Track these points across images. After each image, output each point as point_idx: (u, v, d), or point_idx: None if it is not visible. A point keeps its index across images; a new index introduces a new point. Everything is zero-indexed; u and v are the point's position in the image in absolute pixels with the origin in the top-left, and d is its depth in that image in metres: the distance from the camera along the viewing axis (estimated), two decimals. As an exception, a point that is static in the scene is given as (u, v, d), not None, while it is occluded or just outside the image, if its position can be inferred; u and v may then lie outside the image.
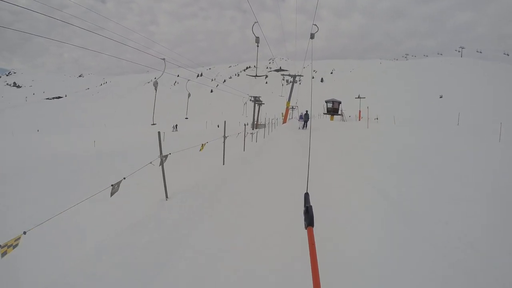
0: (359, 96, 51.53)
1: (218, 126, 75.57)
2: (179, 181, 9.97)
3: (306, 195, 2.46)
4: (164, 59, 10.79)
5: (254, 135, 23.24)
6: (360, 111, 48.12)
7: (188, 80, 24.15)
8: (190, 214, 6.69)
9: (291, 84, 46.76)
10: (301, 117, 33.85)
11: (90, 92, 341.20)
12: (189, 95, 23.83)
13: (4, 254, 3.81)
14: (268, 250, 4.80)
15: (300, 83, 58.84)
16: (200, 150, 11.00)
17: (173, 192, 8.31)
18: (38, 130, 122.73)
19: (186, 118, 27.91)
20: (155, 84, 11.11)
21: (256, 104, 49.04)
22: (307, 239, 1.99)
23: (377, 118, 42.62)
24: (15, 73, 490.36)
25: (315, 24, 17.62)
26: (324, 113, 52.45)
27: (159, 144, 7.78)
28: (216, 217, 6.43)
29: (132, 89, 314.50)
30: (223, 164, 12.92)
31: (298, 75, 45.89)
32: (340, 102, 49.82)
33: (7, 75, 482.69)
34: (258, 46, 20.82)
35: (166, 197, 7.94)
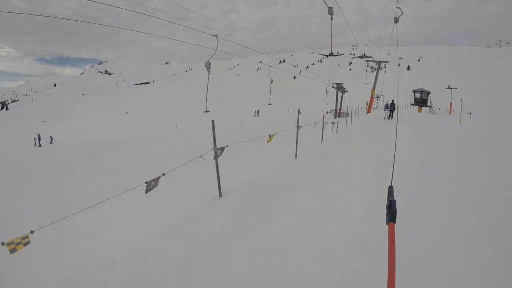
0: (449, 86, 47.74)
1: (300, 113, 74.89)
2: (241, 175, 9.47)
3: (390, 188, 2.34)
4: (216, 35, 9.67)
5: (335, 125, 22.02)
6: (451, 104, 44.93)
7: (270, 66, 24.03)
8: (238, 220, 5.92)
9: (375, 71, 44.32)
10: (386, 106, 32.52)
11: (176, 78, 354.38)
12: (271, 81, 23.68)
13: (13, 251, 3.74)
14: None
15: (385, 71, 55.96)
16: (268, 141, 10.21)
17: (229, 190, 7.68)
18: (127, 112, 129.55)
19: (270, 104, 28.27)
20: (208, 65, 9.60)
21: (339, 92, 47.70)
22: (387, 235, 1.91)
23: (470, 113, 39.43)
24: (106, 62, 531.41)
25: (398, 7, 16.53)
26: (411, 104, 48.96)
27: (213, 135, 7.22)
28: (268, 229, 5.50)
29: (215, 75, 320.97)
30: (295, 157, 11.90)
31: (383, 61, 43.41)
32: (429, 93, 46.13)
33: (98, 64, 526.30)
34: (332, 18, 17.07)
35: (220, 195, 7.34)
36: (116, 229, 6.19)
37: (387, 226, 1.99)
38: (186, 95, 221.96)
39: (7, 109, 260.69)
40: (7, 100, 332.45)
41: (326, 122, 16.91)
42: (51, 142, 39.68)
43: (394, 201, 2.07)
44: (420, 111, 45.05)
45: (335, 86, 46.48)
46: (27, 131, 44.88)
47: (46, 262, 5.02)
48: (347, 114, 38.64)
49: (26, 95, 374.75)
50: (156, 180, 5.37)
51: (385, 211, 2.05)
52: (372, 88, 43.85)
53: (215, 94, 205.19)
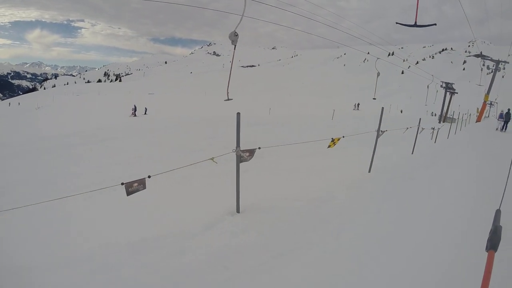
0: None
1: (402, 112, 71.75)
2: (277, 188, 8.37)
3: (498, 212, 2.14)
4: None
5: (435, 132, 19.88)
6: None
7: (378, 58, 23.20)
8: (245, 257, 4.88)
9: (492, 73, 39.74)
10: (501, 116, 28.87)
11: (281, 63, 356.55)
12: (378, 74, 22.88)
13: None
14: None
15: (504, 75, 50.71)
16: (330, 146, 8.49)
17: (253, 204, 6.73)
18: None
19: (374, 99, 27.29)
20: (233, 37, 6.81)
21: (448, 93, 44.76)
22: (485, 263, 1.80)
23: None
24: (215, 44, 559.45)
25: None
26: None
27: (237, 132, 5.97)
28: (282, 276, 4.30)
29: (320, 63, 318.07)
30: (369, 171, 10.16)
31: (502, 61, 38.76)
32: None
33: (208, 46, 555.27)
34: None
35: (237, 210, 6.42)
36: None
37: (486, 253, 1.87)
38: (288, 80, 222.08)
39: (120, 80, 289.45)
40: (122, 73, 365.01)
41: (423, 128, 15.16)
42: (145, 113, 42.94)
43: (500, 227, 1.91)
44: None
45: (443, 85, 43.46)
46: (134, 101, 47.83)
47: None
48: (453, 120, 35.03)
49: (139, 70, 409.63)
50: (141, 182, 4.78)
51: (488, 236, 1.90)
52: (486, 93, 39.82)
53: (319, 83, 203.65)
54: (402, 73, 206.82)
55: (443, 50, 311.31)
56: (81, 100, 67.04)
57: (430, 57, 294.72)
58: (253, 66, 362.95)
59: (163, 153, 16.03)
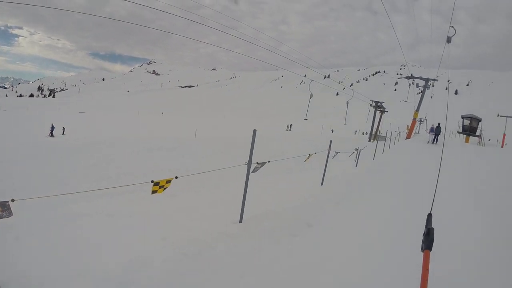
0: (506, 116, 42.12)
1: (333, 131, 71.24)
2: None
3: (429, 216, 2.36)
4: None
5: (371, 149, 20.83)
6: (504, 135, 39.64)
7: (312, 80, 22.87)
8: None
9: (421, 93, 39.55)
10: (432, 129, 31.43)
11: (219, 84, 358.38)
12: (311, 95, 24.29)
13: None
14: None
15: (432, 96, 52.58)
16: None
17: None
18: (162, 113, 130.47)
19: (306, 119, 27.06)
20: None
21: (378, 111, 43.27)
22: (422, 262, 1.99)
23: None
24: (155, 62, 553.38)
25: (452, 26, 14.69)
26: (459, 132, 42.91)
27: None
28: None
29: (258, 85, 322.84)
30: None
31: (431, 79, 38.54)
32: (480, 120, 40.51)
33: (148, 64, 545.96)
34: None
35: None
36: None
37: (422, 253, 2.04)
38: (225, 102, 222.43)
39: (53, 96, 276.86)
40: (56, 89, 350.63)
41: (336, 152, 14.32)
42: (63, 133, 40.78)
43: (433, 229, 2.09)
44: (467, 141, 39.77)
45: (373, 104, 41.91)
46: (60, 120, 46.63)
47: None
48: (384, 137, 34.83)
49: (75, 85, 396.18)
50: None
51: (422, 238, 2.09)
52: (415, 109, 39.19)
53: (255, 105, 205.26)
54: (337, 94, 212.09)
55: (376, 72, 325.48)
56: (3, 117, 62.94)
57: (364, 79, 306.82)
58: (191, 86, 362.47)
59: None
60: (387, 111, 45.31)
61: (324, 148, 11.78)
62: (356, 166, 15.81)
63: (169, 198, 9.94)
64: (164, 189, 5.14)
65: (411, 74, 41.40)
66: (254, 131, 6.30)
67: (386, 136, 35.01)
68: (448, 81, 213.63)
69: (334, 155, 13.39)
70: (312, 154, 9.94)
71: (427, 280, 1.83)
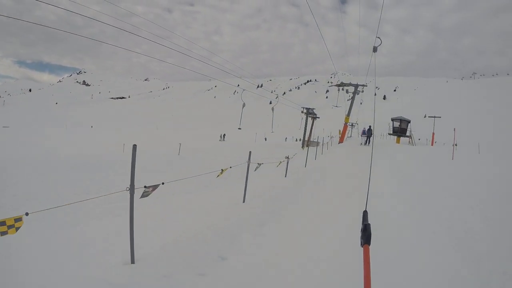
0: (434, 116, 43.03)
1: (266, 140, 70.44)
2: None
3: (365, 213, 2.45)
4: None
5: (303, 156, 20.12)
6: (433, 134, 40.31)
7: (244, 89, 24.87)
8: None
9: (351, 99, 40.04)
10: (363, 132, 34.06)
11: (152, 95, 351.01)
12: (243, 105, 23.24)
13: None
14: None
15: (361, 102, 53.50)
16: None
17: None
18: (92, 126, 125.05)
19: (239, 129, 26.89)
20: None
21: (309, 118, 42.54)
22: (362, 257, 1.99)
23: (456, 144, 35.20)
24: (85, 72, 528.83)
25: (378, 37, 15.71)
26: (389, 134, 44.11)
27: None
28: None
29: (191, 95, 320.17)
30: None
31: (361, 85, 39.00)
32: (409, 122, 41.82)
33: (77, 74, 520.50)
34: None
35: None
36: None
37: (362, 248, 2.05)
38: (157, 113, 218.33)
39: None
40: None
41: (259, 164, 12.50)
42: None
43: (369, 224, 2.12)
44: (398, 141, 40.33)
45: (304, 111, 41.10)
46: None
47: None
48: (317, 143, 34.00)
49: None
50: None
51: (360, 234, 2.12)
52: (346, 114, 39.17)
53: (188, 116, 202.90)
54: (270, 103, 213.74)
55: (308, 81, 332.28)
56: None
57: (296, 88, 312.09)
58: (123, 98, 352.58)
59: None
60: (318, 117, 44.71)
61: (259, 158, 11.24)
62: (286, 176, 14.89)
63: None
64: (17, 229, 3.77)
65: (341, 82, 41.65)
66: (134, 146, 4.88)
67: (318, 142, 34.40)
68: (376, 87, 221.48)
69: (257, 167, 11.85)
70: (225, 170, 8.60)
71: (369, 273, 1.80)
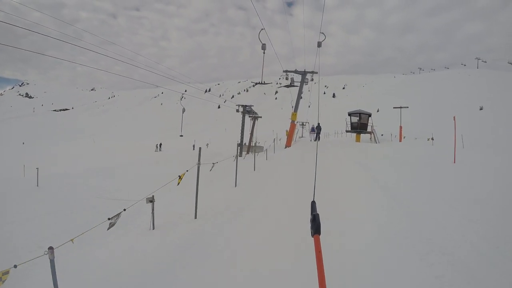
0: (400, 107, 35.85)
1: (207, 146, 63.27)
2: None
3: (313, 204, 2.45)
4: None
5: (251, 164, 18.30)
6: (401, 127, 33.38)
7: (183, 94, 23.45)
8: None
9: (299, 88, 32.01)
10: (312, 129, 34.45)
11: (96, 105, 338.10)
12: (183, 110, 23.70)
13: None
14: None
15: (310, 105, 47.95)
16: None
17: None
18: (23, 143, 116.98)
19: (181, 136, 26.64)
20: None
21: (249, 118, 34.66)
22: (314, 246, 2.04)
23: (432, 139, 29.12)
24: (28, 84, 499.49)
25: (322, 33, 17.64)
26: (347, 131, 36.85)
27: None
28: None
29: (137, 104, 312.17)
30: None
31: (309, 72, 31.33)
32: (370, 115, 35.00)
33: (20, 86, 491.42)
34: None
35: None
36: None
37: (312, 238, 2.07)
38: (100, 125, 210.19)
39: None
40: None
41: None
42: None
43: (318, 215, 2.14)
44: (358, 140, 33.62)
45: (240, 109, 32.86)
46: None
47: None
48: (261, 148, 29.39)
49: None
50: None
51: (310, 225, 2.13)
52: (293, 110, 31.29)
53: (132, 125, 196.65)
54: (219, 107, 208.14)
55: (256, 83, 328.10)
56: None
57: (245, 90, 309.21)
58: (66, 109, 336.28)
59: None
60: (260, 117, 36.53)
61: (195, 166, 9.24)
62: (236, 186, 13.31)
63: None
64: None
65: (291, 81, 33.40)
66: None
67: (262, 146, 30.54)
68: (325, 86, 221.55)
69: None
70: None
71: (322, 261, 1.86)
